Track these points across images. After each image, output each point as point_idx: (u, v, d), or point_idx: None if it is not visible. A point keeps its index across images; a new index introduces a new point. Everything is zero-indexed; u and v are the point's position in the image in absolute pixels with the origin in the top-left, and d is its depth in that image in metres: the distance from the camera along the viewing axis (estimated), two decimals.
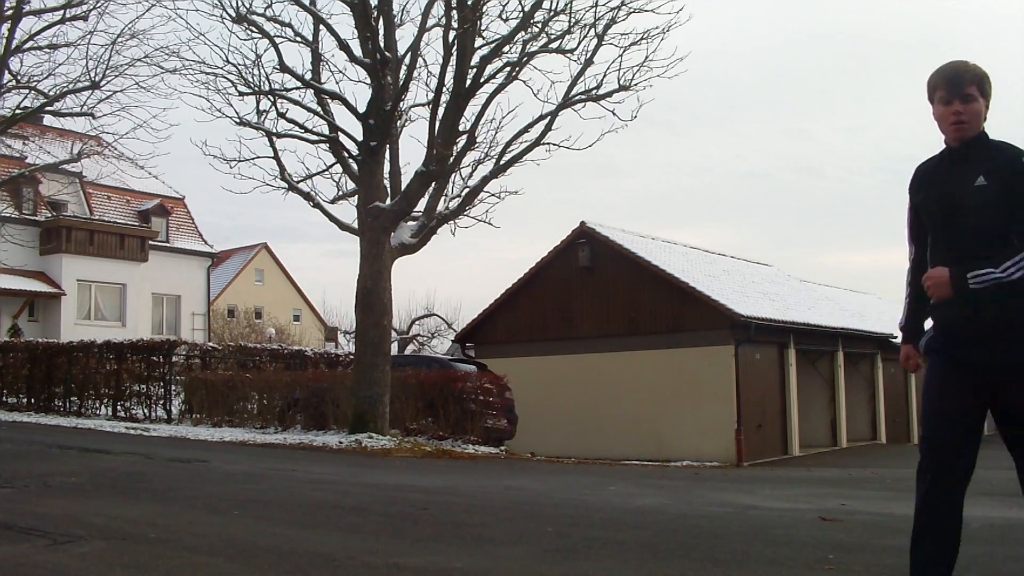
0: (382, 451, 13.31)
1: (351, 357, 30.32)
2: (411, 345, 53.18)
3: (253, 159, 16.18)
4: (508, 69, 15.40)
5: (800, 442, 26.21)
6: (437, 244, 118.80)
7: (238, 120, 15.73)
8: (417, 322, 54.95)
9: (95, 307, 36.27)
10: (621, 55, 15.72)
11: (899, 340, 4.05)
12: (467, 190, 16.23)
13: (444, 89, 15.06)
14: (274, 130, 15.88)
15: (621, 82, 15.78)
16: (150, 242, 37.94)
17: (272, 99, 15.76)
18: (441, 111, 15.18)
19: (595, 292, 26.36)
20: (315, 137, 15.89)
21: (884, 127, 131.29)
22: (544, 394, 24.29)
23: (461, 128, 15.40)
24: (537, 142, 15.59)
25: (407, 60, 15.40)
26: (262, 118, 15.98)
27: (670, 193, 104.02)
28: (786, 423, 26.10)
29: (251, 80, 15.49)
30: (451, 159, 15.47)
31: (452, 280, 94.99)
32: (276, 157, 16.16)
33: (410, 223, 16.08)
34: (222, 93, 16.53)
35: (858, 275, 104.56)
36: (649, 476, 12.87)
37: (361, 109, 15.62)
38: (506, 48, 15.21)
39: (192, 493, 7.99)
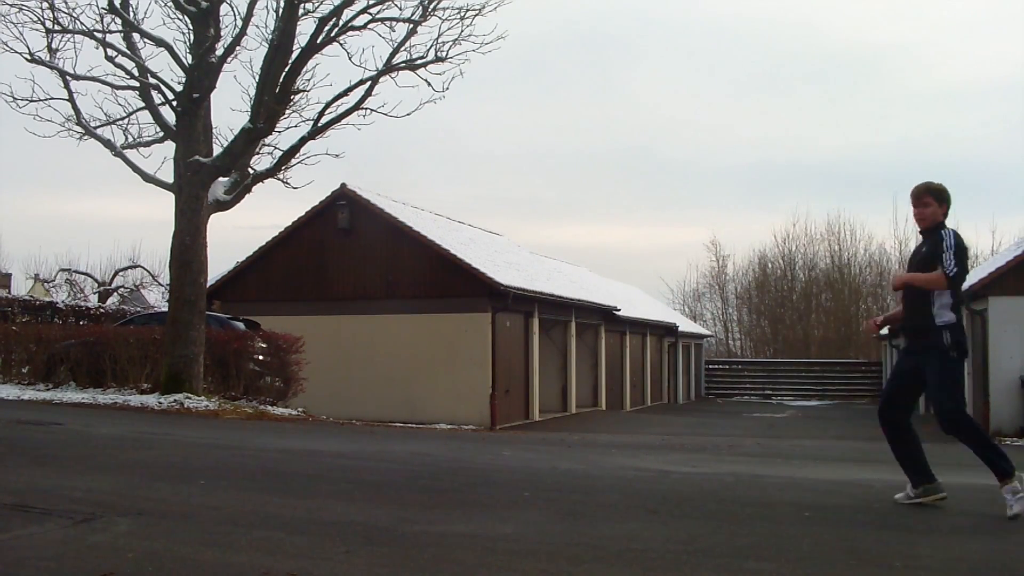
0: (209, 413, 12.83)
1: (102, 309, 28.40)
2: (112, 297, 50.23)
3: (47, 99, 14.82)
4: (345, 31, 15.11)
5: (539, 407, 27.76)
6: (149, 194, 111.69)
7: (29, 56, 14.39)
8: (120, 273, 51.99)
9: None
10: (440, 27, 15.97)
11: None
12: (278, 151, 15.82)
13: (280, 46, 14.53)
14: (71, 71, 14.65)
15: (437, 54, 16.05)
16: None
17: (73, 39, 14.54)
18: (285, 70, 14.64)
19: (353, 254, 26.37)
20: (122, 82, 14.84)
21: None
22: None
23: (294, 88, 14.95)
24: (357, 106, 15.45)
25: (243, 12, 14.74)
26: (54, 56, 14.70)
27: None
28: (528, 389, 27.53)
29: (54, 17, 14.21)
30: (280, 118, 14.99)
31: (161, 231, 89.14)
32: (71, 99, 14.95)
33: (222, 179, 15.41)
34: (16, 25, 14.97)
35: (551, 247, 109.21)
36: (500, 441, 13.30)
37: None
38: (345, 12, 14.93)
39: (108, 462, 7.50)
